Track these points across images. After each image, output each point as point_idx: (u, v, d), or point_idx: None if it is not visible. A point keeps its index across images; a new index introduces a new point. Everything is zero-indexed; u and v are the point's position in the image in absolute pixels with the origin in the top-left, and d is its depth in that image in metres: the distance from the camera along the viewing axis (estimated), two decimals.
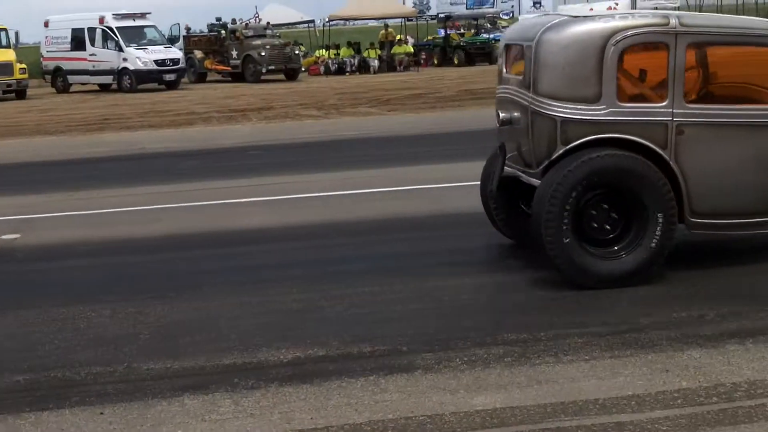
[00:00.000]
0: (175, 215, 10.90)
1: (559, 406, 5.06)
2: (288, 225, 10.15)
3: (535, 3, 50.87)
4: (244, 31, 38.51)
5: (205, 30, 42.30)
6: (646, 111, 7.21)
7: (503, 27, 43.27)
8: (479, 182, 8.64)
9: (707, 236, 7.94)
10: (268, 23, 41.43)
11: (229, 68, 38.10)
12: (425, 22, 50.77)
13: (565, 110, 7.11)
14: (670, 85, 7.15)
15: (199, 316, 6.92)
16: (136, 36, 35.48)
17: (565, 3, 53.27)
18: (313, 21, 47.84)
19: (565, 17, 7.47)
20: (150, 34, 36.34)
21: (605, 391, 5.23)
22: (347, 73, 39.32)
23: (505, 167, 7.90)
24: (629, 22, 7.24)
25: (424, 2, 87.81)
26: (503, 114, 7.73)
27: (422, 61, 42.11)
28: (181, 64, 35.82)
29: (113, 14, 35.45)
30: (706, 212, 7.31)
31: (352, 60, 40.62)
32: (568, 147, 7.10)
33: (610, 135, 7.10)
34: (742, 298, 6.85)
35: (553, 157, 7.15)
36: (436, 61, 42.59)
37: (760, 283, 7.30)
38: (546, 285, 7.27)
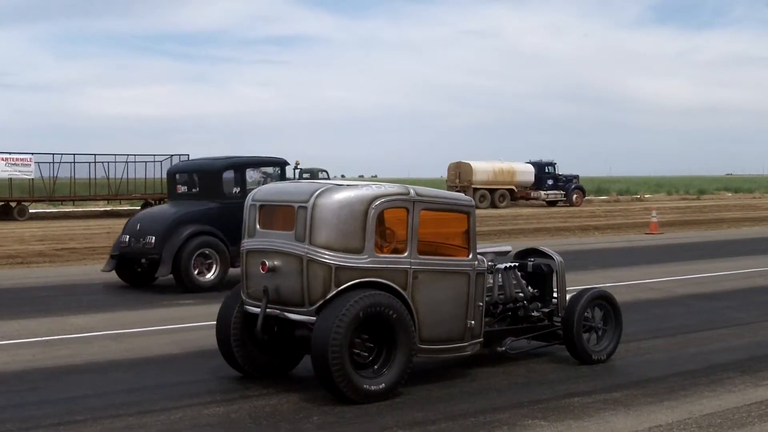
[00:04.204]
0: None
1: None
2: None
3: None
4: None
5: None
6: (394, 260, 8.99)
7: None
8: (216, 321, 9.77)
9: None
10: None
11: None
12: None
13: (338, 259, 8.68)
14: (409, 240, 9.05)
15: None
16: None
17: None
18: None
19: (331, 184, 9.04)
20: None
21: None
22: None
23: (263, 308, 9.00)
24: (383, 190, 9.03)
25: None
26: (269, 262, 8.94)
27: None
28: None
29: None
30: (428, 339, 9.19)
31: None
32: (339, 288, 8.66)
33: (372, 279, 8.80)
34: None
35: (328, 296, 8.65)
36: None
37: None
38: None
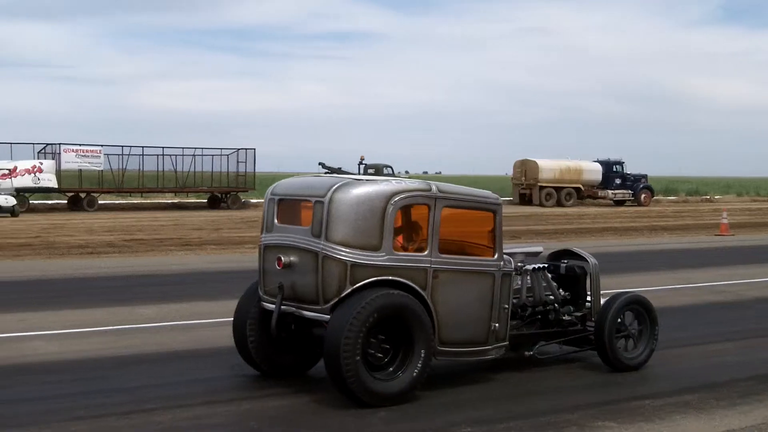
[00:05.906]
0: None
1: None
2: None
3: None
4: None
5: None
6: (413, 259, 8.69)
7: None
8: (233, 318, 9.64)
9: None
10: None
11: None
12: None
13: (354, 256, 8.38)
14: (429, 239, 8.74)
15: None
16: None
17: None
18: None
19: (350, 179, 8.74)
20: None
21: None
22: None
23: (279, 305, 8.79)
24: (403, 186, 8.72)
25: None
26: (285, 258, 8.68)
27: None
28: None
29: None
30: (449, 341, 8.87)
31: None
32: (355, 286, 8.37)
33: (389, 277, 8.48)
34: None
35: (343, 295, 8.33)
36: None
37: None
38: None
